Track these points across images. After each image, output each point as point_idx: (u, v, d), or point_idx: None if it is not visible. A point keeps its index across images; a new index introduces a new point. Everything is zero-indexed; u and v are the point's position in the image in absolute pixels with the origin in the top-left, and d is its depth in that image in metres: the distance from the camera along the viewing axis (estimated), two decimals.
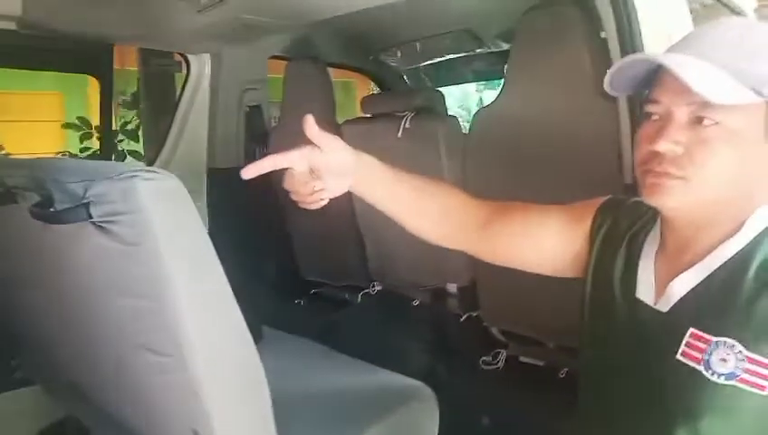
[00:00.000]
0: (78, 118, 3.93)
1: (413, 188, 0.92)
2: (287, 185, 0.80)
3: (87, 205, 0.73)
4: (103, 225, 0.74)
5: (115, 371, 0.92)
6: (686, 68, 0.65)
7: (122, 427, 1.00)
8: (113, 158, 3.06)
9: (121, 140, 3.91)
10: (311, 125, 0.77)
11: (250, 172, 0.76)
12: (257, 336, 1.76)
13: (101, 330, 0.90)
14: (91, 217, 0.74)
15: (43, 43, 1.77)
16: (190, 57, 2.22)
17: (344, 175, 0.83)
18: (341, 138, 0.82)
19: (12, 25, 1.63)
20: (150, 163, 2.31)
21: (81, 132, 3.92)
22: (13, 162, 1.05)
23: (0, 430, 1.65)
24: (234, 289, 0.83)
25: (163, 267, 0.73)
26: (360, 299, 2.15)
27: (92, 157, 3.60)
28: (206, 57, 2.21)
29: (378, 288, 2.14)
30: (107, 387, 1.00)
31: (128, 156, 3.78)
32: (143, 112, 3.62)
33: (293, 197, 0.82)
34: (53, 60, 2.06)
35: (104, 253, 0.77)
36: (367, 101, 2.04)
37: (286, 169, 0.80)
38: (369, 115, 2.02)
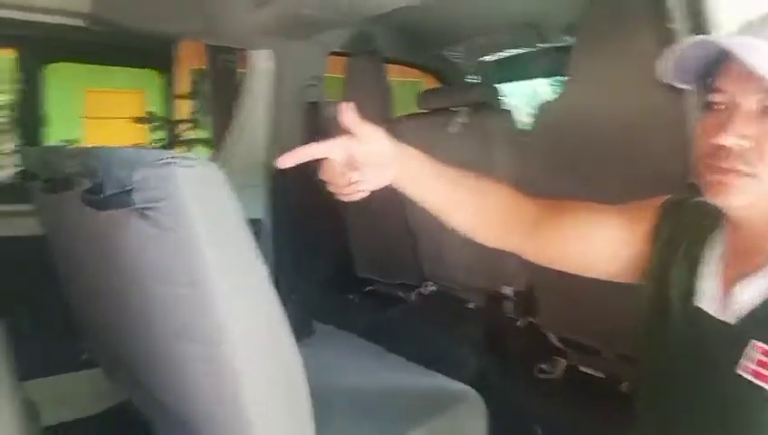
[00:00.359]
0: (147, 112, 4.12)
1: (460, 184, 0.88)
2: (324, 175, 0.79)
3: (130, 191, 0.75)
4: (145, 211, 0.75)
5: (159, 357, 0.95)
6: (754, 52, 0.60)
7: (171, 413, 1.03)
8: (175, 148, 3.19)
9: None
10: (347, 113, 0.76)
11: (287, 161, 0.75)
12: (307, 330, 1.79)
13: (146, 316, 0.93)
14: (133, 203, 0.76)
15: (110, 40, 1.87)
16: (251, 53, 2.27)
17: (384, 167, 0.80)
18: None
19: (81, 22, 1.72)
20: (215, 156, 2.38)
21: (149, 125, 4.10)
22: (71, 151, 1.11)
23: (65, 408, 1.73)
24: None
25: (199, 255, 0.74)
26: (412, 298, 2.14)
27: (160, 148, 3.77)
28: (267, 53, 2.25)
29: (431, 288, 2.12)
30: (154, 373, 1.03)
31: (195, 146, 3.92)
32: (209, 107, 3.75)
33: (330, 188, 0.81)
34: (121, 55, 2.17)
35: (146, 239, 0.79)
36: (422, 96, 2.02)
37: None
38: (424, 111, 2.00)
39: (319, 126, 2.36)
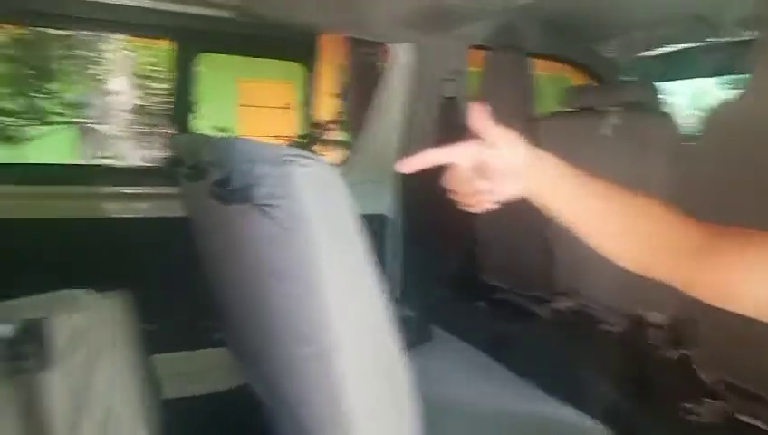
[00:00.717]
0: (286, 105, 4.30)
1: (607, 199, 0.76)
2: (448, 182, 0.73)
3: (251, 187, 0.75)
4: (264, 207, 0.75)
5: (271, 349, 0.97)
6: None
7: (280, 402, 1.05)
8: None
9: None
10: (476, 114, 0.68)
11: (409, 166, 0.69)
12: (426, 336, 1.74)
13: (261, 308, 0.95)
14: (255, 199, 0.76)
15: (258, 32, 1.96)
16: (391, 46, 2.26)
17: (516, 176, 0.72)
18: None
19: (231, 13, 1.82)
20: (348, 151, 2.43)
21: (292, 119, 4.29)
22: (209, 140, 1.15)
23: (190, 382, 1.86)
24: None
25: (310, 254, 0.74)
26: (544, 313, 2.00)
27: (302, 143, 3.94)
28: (407, 46, 2.24)
29: (566, 304, 1.98)
30: (266, 363, 1.05)
31: (335, 146, 4.05)
32: (348, 102, 3.85)
33: (455, 197, 0.74)
34: (268, 47, 2.27)
35: (265, 236, 0.80)
36: (569, 93, 1.88)
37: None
38: (571, 109, 1.85)
39: (456, 123, 2.30)
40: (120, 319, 0.96)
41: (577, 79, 2.69)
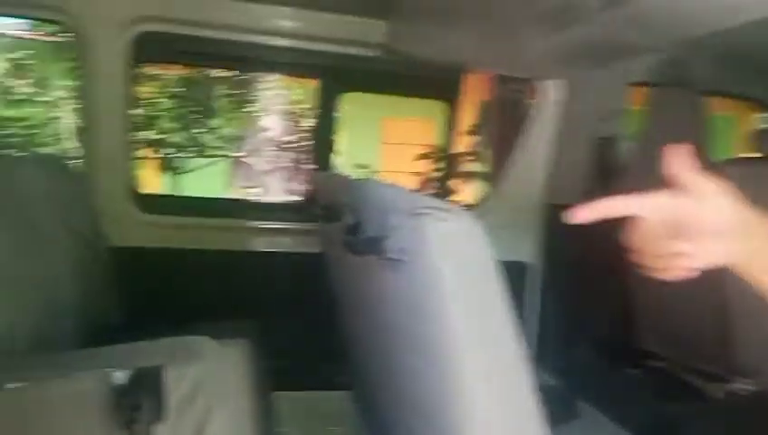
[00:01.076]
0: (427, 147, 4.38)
1: None
2: (631, 240, 0.60)
3: (382, 239, 0.69)
4: (394, 262, 0.68)
5: (402, 413, 0.89)
6: None
7: None
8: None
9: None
10: (675, 158, 0.56)
11: (582, 216, 0.58)
12: (571, 413, 1.55)
13: (392, 370, 0.88)
14: (385, 252, 0.69)
15: (402, 70, 1.96)
16: (540, 83, 2.17)
17: (721, 237, 0.58)
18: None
19: (376, 52, 1.83)
20: (488, 192, 2.34)
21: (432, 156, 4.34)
22: (345, 182, 1.12)
23: (307, 423, 1.82)
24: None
25: (443, 320, 0.66)
26: (716, 394, 1.71)
27: (440, 178, 3.94)
28: (559, 82, 2.12)
29: (748, 388, 1.67)
30: (397, 425, 0.98)
31: (472, 179, 4.00)
32: (487, 139, 3.79)
33: (637, 258, 0.61)
34: (411, 85, 2.27)
35: (393, 292, 0.74)
36: (759, 137, 1.63)
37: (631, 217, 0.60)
38: (759, 155, 1.61)
39: (613, 165, 2.12)
40: (238, 372, 0.93)
41: (747, 118, 2.39)
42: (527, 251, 2.22)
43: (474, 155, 4.23)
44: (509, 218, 2.16)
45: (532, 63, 2.03)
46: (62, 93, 7.20)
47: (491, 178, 2.51)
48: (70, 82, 6.67)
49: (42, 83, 7.47)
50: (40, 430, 0.83)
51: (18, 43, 7.31)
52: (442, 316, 0.67)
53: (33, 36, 7.21)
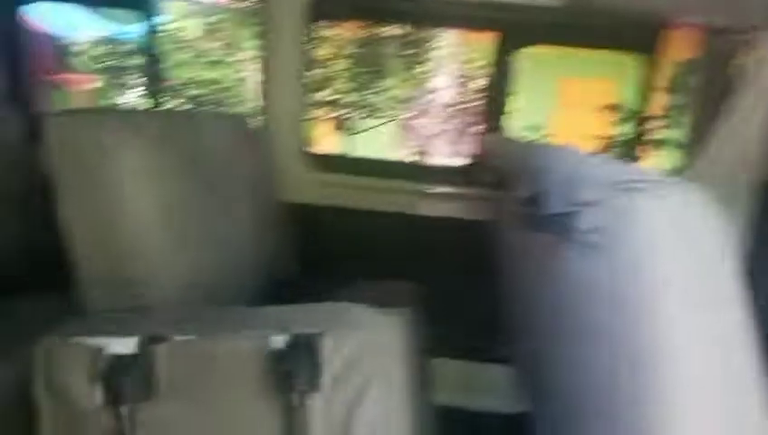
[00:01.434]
0: (613, 104, 4.01)
1: None
2: None
3: (572, 215, 0.58)
4: (589, 247, 0.57)
5: (583, 403, 0.79)
6: None
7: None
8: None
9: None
10: None
11: None
12: None
13: (577, 366, 0.78)
14: (575, 232, 0.58)
15: (588, 22, 1.77)
16: (761, 34, 1.84)
17: None
18: None
19: (559, 2, 1.67)
20: (687, 162, 2.07)
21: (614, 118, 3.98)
22: (520, 147, 1.02)
23: (463, 394, 1.80)
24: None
25: (655, 322, 0.54)
26: None
27: (625, 143, 3.59)
28: None
29: None
30: (574, 415, 0.89)
31: (663, 147, 3.61)
32: (693, 103, 3.37)
33: None
34: (598, 38, 2.05)
35: (584, 280, 0.62)
36: None
37: None
38: None
39: None
40: (399, 344, 0.87)
41: None
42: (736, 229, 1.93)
43: (668, 119, 3.78)
44: (709, 198, 1.88)
45: (755, 9, 1.79)
46: (250, 55, 7.76)
47: (689, 147, 2.20)
48: (257, 45, 7.16)
49: (233, 46, 8.11)
50: (201, 384, 0.84)
51: (213, 8, 7.99)
52: (653, 313, 0.55)
53: (227, 1, 7.85)
